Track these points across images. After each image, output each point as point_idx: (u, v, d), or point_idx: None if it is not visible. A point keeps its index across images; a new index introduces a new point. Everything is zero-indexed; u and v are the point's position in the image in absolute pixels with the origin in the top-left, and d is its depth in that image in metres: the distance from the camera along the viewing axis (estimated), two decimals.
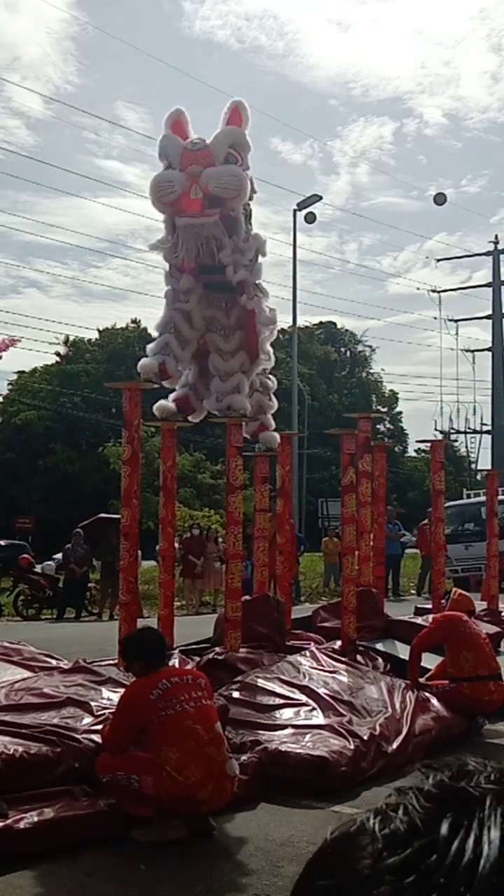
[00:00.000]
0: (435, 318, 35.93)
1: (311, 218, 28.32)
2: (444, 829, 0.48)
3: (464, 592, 8.67)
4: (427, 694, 7.58)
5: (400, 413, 63.38)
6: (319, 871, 0.51)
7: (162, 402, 8.91)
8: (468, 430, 37.60)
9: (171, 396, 8.97)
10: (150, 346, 8.61)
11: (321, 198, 28.20)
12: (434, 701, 7.46)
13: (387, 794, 0.55)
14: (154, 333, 8.81)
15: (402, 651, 9.15)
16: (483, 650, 7.73)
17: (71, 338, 53.64)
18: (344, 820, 0.55)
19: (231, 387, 8.61)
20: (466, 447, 42.71)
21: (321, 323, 64.33)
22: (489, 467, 28.68)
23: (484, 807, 0.49)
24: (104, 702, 6.38)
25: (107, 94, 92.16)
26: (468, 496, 29.78)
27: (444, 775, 0.53)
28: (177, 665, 6.86)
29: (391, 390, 63.10)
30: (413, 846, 0.48)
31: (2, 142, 71.44)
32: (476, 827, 0.48)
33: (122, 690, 5.94)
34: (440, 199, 34.49)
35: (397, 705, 7.14)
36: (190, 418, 9.17)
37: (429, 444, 12.31)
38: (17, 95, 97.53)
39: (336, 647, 8.74)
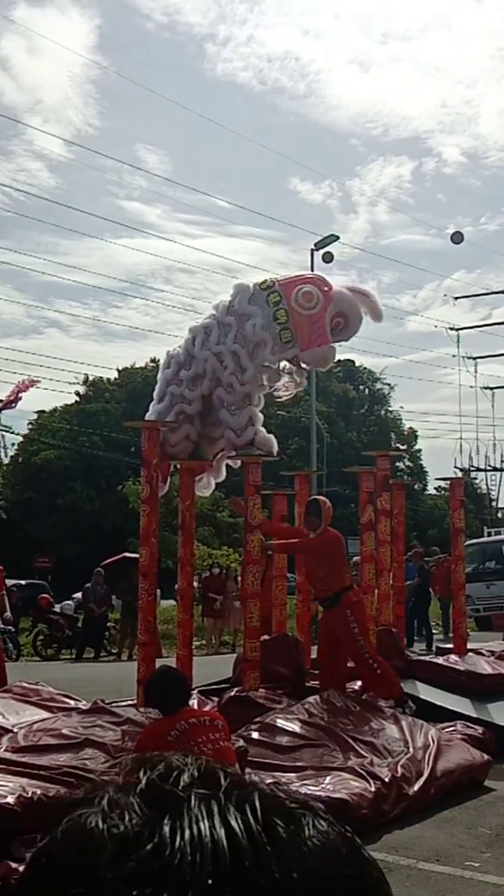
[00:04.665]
0: (454, 356, 35.78)
1: (328, 257, 28.45)
2: (165, 830, 0.52)
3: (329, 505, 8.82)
4: (449, 735, 7.50)
5: (419, 451, 63.14)
6: (59, 876, 0.52)
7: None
8: (488, 468, 37.42)
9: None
10: (254, 421, 8.90)
11: (338, 238, 28.38)
12: (457, 742, 7.37)
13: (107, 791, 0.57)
14: None
15: (424, 691, 9.06)
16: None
17: (90, 377, 54.03)
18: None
19: (245, 419, 8.70)
20: (487, 485, 42.59)
21: (339, 361, 64.45)
22: None
23: (191, 806, 0.53)
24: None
25: (127, 136, 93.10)
26: (489, 534, 29.62)
27: (154, 775, 0.56)
28: (195, 706, 6.81)
29: (410, 428, 62.95)
30: (143, 850, 0.51)
31: (24, 184, 72.22)
32: (188, 827, 0.52)
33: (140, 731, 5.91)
34: (457, 237, 34.48)
35: (419, 746, 7.04)
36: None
37: (448, 482, 12.27)
38: (38, 138, 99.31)
39: (356, 686, 8.66)
